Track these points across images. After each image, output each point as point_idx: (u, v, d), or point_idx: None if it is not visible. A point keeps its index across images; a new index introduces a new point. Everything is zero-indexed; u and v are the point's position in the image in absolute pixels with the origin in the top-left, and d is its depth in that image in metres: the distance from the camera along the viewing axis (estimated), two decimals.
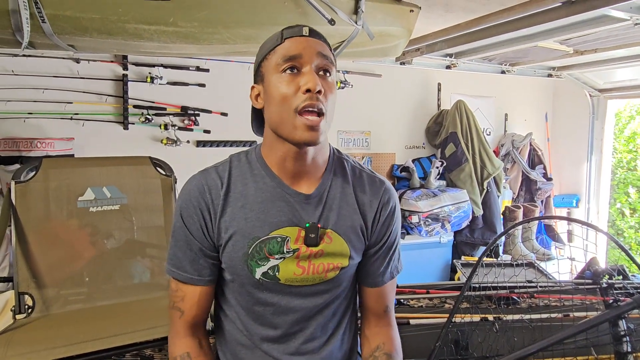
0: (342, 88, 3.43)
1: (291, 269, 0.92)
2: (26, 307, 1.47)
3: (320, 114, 0.85)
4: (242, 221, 0.91)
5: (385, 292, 1.03)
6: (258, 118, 0.98)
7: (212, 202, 0.92)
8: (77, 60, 2.68)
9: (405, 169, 3.75)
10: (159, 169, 1.77)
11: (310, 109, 0.84)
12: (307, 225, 0.92)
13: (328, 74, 0.89)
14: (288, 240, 0.92)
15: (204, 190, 0.92)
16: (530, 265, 2.14)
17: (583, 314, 1.60)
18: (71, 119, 2.69)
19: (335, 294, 0.98)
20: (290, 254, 0.92)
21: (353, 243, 0.96)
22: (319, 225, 0.92)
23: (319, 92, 0.84)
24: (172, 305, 0.96)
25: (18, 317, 1.45)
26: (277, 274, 0.92)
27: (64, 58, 2.65)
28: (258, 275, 0.92)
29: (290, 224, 0.92)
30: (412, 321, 1.67)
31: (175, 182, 1.79)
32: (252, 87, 0.95)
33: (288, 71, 0.86)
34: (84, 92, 2.72)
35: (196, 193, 0.92)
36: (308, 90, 0.84)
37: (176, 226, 0.94)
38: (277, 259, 0.92)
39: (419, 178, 3.71)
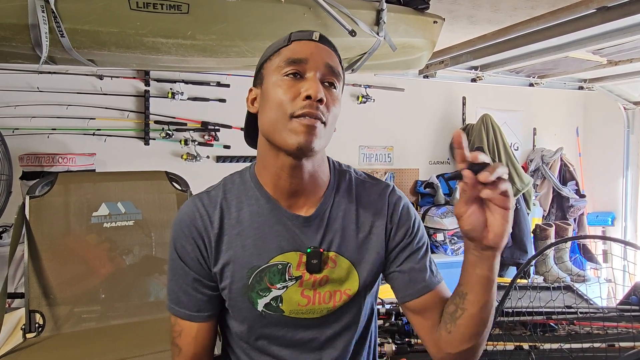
0: (364, 102, 3.37)
1: (295, 300, 0.84)
2: (36, 325, 1.43)
3: (318, 118, 0.76)
4: (240, 250, 0.83)
5: (445, 292, 0.86)
6: (255, 128, 0.88)
7: (205, 230, 0.84)
8: (100, 77, 2.72)
9: (429, 185, 3.64)
10: (174, 183, 1.73)
11: (308, 117, 0.76)
12: (309, 250, 0.83)
13: (333, 87, 0.81)
14: (290, 266, 0.83)
15: (196, 217, 0.84)
16: (568, 288, 1.99)
17: (630, 344, 1.46)
18: (93, 134, 2.72)
19: (347, 324, 0.88)
20: (293, 282, 0.83)
21: (362, 262, 0.86)
22: (322, 250, 0.83)
23: (320, 100, 0.76)
24: (172, 341, 0.89)
25: (28, 335, 1.41)
26: (280, 305, 0.84)
27: (87, 75, 2.69)
28: (260, 307, 0.83)
29: (291, 249, 0.83)
30: None
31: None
32: (250, 90, 0.88)
33: (290, 75, 0.78)
34: (106, 108, 2.76)
35: (188, 221, 0.85)
36: (308, 97, 0.75)
37: (171, 258, 0.87)
38: (279, 288, 0.83)
39: (444, 194, 3.59)
